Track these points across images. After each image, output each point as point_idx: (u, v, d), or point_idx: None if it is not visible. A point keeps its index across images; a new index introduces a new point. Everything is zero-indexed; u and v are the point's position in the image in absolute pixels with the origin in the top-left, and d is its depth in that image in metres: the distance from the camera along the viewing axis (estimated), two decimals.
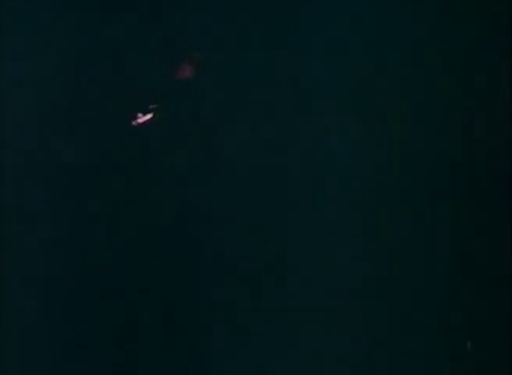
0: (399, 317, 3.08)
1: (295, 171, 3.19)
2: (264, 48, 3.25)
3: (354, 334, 3.06)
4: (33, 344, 3.09)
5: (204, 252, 3.16)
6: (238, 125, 3.24)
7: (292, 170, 3.19)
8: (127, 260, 3.17)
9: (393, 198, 3.13)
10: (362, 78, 3.18)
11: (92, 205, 3.21)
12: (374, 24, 3.18)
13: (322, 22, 3.20)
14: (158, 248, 3.18)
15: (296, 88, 3.23)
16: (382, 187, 3.14)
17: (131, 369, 3.10)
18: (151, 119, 3.32)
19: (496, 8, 3.14)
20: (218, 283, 3.14)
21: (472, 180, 3.13)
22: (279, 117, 3.22)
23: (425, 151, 3.15)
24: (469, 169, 3.13)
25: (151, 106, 3.31)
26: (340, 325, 3.08)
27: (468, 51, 3.17)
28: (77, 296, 3.12)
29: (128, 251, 3.18)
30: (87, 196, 3.22)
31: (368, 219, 3.13)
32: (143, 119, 3.31)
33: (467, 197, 3.13)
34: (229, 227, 3.18)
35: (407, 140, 3.15)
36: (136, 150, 3.26)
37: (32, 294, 3.11)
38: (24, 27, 3.27)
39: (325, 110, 3.19)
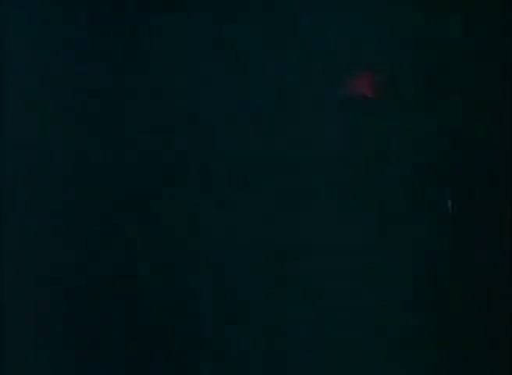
0: (398, 316, 3.08)
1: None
2: None
3: (354, 334, 3.07)
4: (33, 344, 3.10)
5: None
6: None
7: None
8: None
9: (393, 198, 3.14)
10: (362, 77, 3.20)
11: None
12: (373, 25, 3.19)
13: None
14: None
15: None
16: (381, 188, 3.14)
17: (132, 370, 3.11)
18: None
19: (498, 10, 3.16)
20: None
21: (472, 181, 3.13)
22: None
23: (425, 152, 3.16)
24: (469, 170, 3.14)
25: None
26: (342, 325, 3.09)
27: (468, 52, 3.19)
28: (78, 297, 3.12)
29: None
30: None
31: (367, 219, 3.14)
32: None
33: (466, 197, 3.13)
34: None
35: (407, 140, 3.16)
36: None
37: (31, 293, 3.12)
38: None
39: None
